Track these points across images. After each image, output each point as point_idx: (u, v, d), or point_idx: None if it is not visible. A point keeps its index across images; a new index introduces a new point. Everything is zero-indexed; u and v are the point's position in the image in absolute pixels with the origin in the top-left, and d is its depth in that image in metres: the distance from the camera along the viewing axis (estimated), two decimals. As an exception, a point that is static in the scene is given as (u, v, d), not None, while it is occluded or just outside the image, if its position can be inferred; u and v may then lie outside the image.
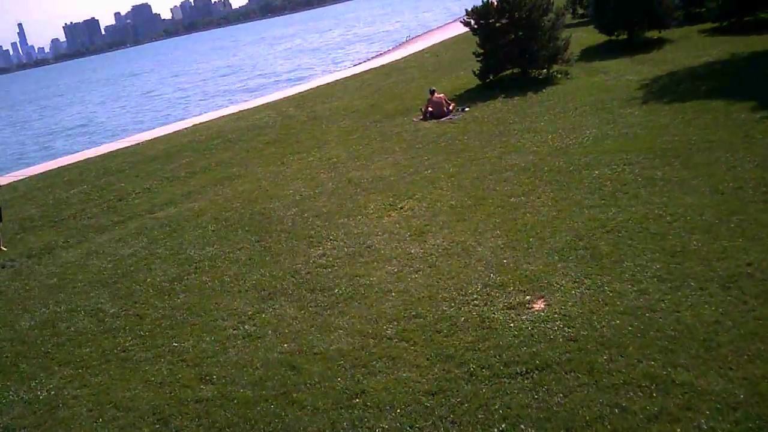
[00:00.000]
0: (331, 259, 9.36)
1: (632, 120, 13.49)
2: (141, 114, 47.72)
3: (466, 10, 19.96)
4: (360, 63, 45.57)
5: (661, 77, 16.71)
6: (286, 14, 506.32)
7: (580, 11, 30.92)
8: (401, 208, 10.92)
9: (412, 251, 9.06)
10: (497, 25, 19.26)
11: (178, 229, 12.12)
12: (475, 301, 7.38)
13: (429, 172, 12.57)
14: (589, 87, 17.22)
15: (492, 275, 7.90)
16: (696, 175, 9.81)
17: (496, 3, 19.10)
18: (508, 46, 19.12)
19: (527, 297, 7.25)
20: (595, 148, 12.00)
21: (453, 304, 7.40)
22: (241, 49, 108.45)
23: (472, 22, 19.58)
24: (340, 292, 8.26)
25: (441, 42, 34.97)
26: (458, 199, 10.77)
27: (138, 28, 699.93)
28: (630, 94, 15.68)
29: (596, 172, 10.73)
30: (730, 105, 13.17)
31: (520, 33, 18.86)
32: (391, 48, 54.65)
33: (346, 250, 9.59)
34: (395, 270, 8.58)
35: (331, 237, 10.20)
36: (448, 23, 61.04)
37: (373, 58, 47.81)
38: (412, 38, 60.95)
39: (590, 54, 21.52)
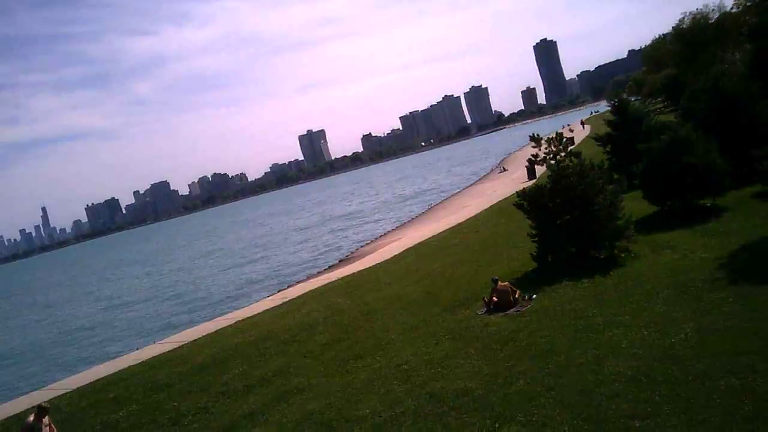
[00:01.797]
0: None
1: (730, 309, 12.44)
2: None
3: (517, 194, 19.64)
4: (391, 232, 45.74)
5: (738, 253, 15.84)
6: (301, 183, 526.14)
7: (616, 176, 30.82)
8: (505, 435, 9.68)
9: (542, 503, 7.74)
10: (550, 205, 18.82)
11: (249, 468, 10.84)
12: None
13: (521, 383, 11.40)
14: (661, 267, 16.35)
15: None
16: None
17: (548, 185, 18.77)
18: (564, 226, 18.56)
19: None
20: (706, 350, 10.86)
21: None
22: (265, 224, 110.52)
23: (525, 204, 19.15)
24: None
25: (476, 215, 34.77)
26: (570, 422, 9.53)
27: (157, 204, 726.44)
28: (711, 274, 14.75)
29: (721, 383, 9.54)
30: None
31: (576, 212, 18.35)
32: (413, 217, 55.13)
33: (458, 500, 8.27)
34: None
35: (434, 480, 8.91)
36: (457, 191, 62.18)
37: (404, 224, 48.06)
38: (434, 205, 61.76)
39: (646, 226, 20.88)
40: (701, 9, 56.93)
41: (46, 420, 12.33)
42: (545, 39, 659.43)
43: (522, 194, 19.34)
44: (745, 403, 8.81)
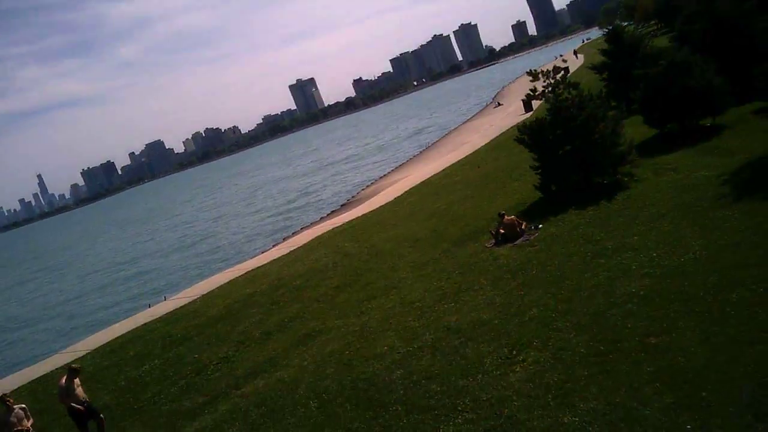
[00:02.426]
0: (472, 439, 8.30)
1: (737, 224, 12.56)
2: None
3: (518, 128, 19.58)
4: (390, 174, 45.74)
5: (741, 170, 15.89)
6: (295, 131, 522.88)
7: (614, 103, 30.62)
8: (523, 361, 9.89)
9: (566, 421, 7.99)
10: (551, 137, 18.77)
11: (276, 410, 11.14)
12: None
13: (535, 310, 11.59)
14: (665, 188, 16.42)
15: (683, 451, 6.80)
16: None
17: (548, 118, 18.69)
18: (566, 156, 18.56)
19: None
20: (716, 265, 11.01)
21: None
22: (266, 174, 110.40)
23: (526, 138, 19.10)
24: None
25: (474, 151, 34.68)
26: (586, 344, 9.75)
27: (153, 164, 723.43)
28: (716, 192, 14.83)
29: (734, 295, 9.71)
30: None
31: (578, 142, 18.32)
32: (412, 157, 54.98)
33: (483, 424, 8.54)
34: (557, 450, 7.50)
35: (458, 407, 9.16)
36: (456, 127, 61.77)
37: (402, 165, 47.95)
38: (432, 143, 61.52)
39: (647, 149, 20.84)
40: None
41: (77, 381, 12.55)
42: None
43: (522, 128, 19.28)
44: (758, 312, 8.99)
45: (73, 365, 13.17)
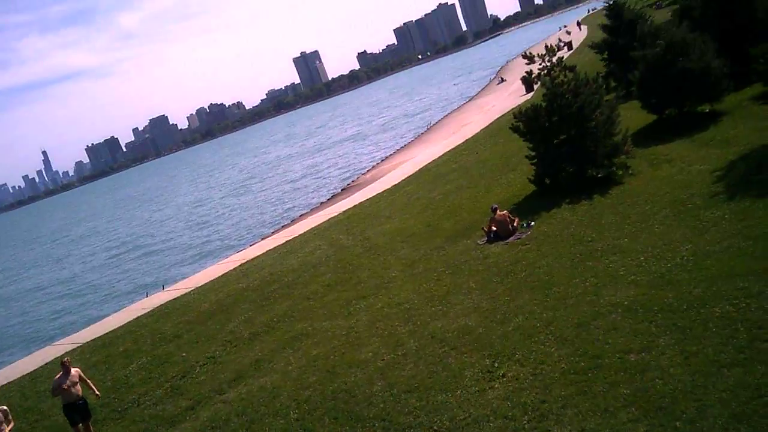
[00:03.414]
0: (446, 464, 8.20)
1: (727, 227, 12.33)
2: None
3: (513, 114, 19.25)
4: (392, 156, 45.55)
5: (736, 164, 15.60)
6: (299, 108, 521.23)
7: (613, 83, 30.11)
8: (503, 376, 9.76)
9: (540, 447, 7.87)
10: (547, 125, 18.46)
11: (256, 420, 11.07)
12: None
13: (520, 319, 11.44)
14: (659, 183, 16.16)
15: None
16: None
17: (543, 104, 18.36)
18: (561, 146, 18.27)
19: None
20: (702, 273, 10.80)
21: None
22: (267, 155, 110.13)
23: (521, 125, 18.79)
24: None
25: (473, 135, 34.33)
26: (567, 358, 9.60)
27: (157, 140, 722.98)
28: (709, 189, 14.58)
29: (716, 309, 9.52)
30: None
31: (573, 131, 18.01)
32: (415, 137, 54.66)
33: (458, 446, 8.43)
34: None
35: (434, 426, 9.05)
36: (459, 105, 61.22)
37: (405, 147, 47.70)
38: (435, 123, 61.02)
39: (643, 137, 20.53)
40: None
41: (74, 375, 12.46)
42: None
43: (518, 115, 18.94)
44: (740, 331, 8.80)
45: (63, 359, 12.99)
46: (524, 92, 42.81)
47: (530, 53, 19.79)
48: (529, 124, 18.76)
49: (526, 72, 18.50)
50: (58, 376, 12.33)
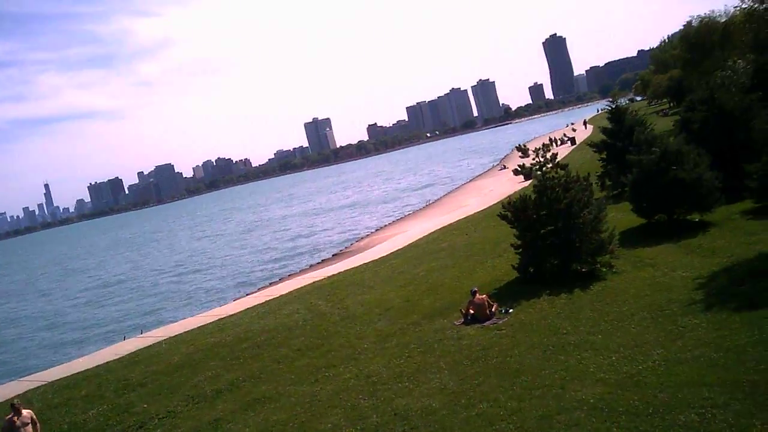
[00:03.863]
0: None
1: (702, 335, 12.30)
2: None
3: (502, 204, 19.46)
4: (388, 226, 45.89)
5: (718, 275, 15.65)
6: (305, 170, 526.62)
7: (609, 182, 30.53)
8: (460, 461, 9.55)
9: None
10: (534, 216, 18.63)
11: (204, 481, 10.75)
12: None
13: (484, 405, 11.25)
14: (640, 285, 16.19)
15: None
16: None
17: (533, 196, 18.59)
18: (548, 237, 18.39)
19: None
20: (671, 379, 10.71)
21: None
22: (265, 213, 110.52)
23: (510, 215, 18.95)
24: None
25: (467, 216, 34.59)
26: (526, 452, 9.40)
27: (161, 186, 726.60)
28: (689, 296, 14.60)
29: (681, 417, 9.39)
30: (809, 316, 12.03)
31: (560, 224, 18.16)
32: (413, 212, 55.08)
33: None
34: None
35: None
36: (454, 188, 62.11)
37: (401, 219, 48.11)
38: (434, 201, 61.62)
39: (631, 239, 20.70)
40: (708, 14, 56.30)
41: (25, 418, 12.23)
42: (555, 35, 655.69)
43: (507, 205, 19.15)
44: (700, 442, 8.67)
45: (14, 402, 12.78)
46: (523, 179, 43.34)
47: (525, 146, 20.24)
48: (517, 214, 18.92)
49: (519, 165, 18.74)
50: (9, 416, 12.13)
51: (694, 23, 59.16)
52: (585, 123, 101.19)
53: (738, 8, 20.50)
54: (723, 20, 52.78)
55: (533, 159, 17.67)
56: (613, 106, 31.67)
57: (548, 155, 17.66)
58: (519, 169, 19.88)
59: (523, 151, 17.49)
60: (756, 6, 17.86)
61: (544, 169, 19.09)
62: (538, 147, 17.24)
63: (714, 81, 28.89)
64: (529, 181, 40.06)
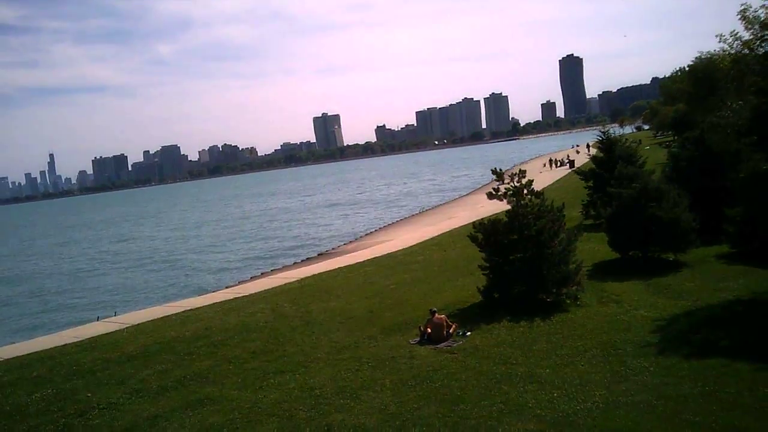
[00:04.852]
0: None
1: (647, 380, 12.17)
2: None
3: (473, 225, 19.32)
4: (375, 232, 46.04)
5: (679, 318, 15.51)
6: (309, 164, 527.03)
7: (593, 212, 30.38)
8: (378, 488, 9.41)
9: None
10: (505, 241, 18.49)
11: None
12: None
13: (417, 430, 11.14)
14: (600, 321, 16.05)
15: None
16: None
17: (504, 219, 18.46)
18: (516, 263, 18.26)
19: None
20: (606, 423, 10.58)
21: None
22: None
23: (480, 237, 18.82)
24: None
25: (451, 230, 34.51)
26: (444, 484, 9.27)
27: (164, 166, 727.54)
28: (644, 337, 14.47)
29: (605, 465, 9.27)
30: (757, 372, 11.91)
31: (529, 253, 18.03)
32: (402, 218, 55.24)
33: None
34: None
35: None
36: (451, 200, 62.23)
37: (389, 225, 48.28)
38: (426, 210, 61.76)
39: (603, 272, 20.60)
40: (717, 51, 56.22)
41: None
42: (572, 55, 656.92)
43: (478, 226, 19.02)
44: (617, 493, 8.54)
45: None
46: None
47: (500, 170, 19.96)
48: (487, 237, 18.79)
49: (493, 188, 18.65)
50: None
51: (704, 58, 59.11)
52: (588, 147, 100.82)
53: (727, 52, 20.23)
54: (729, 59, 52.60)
55: (508, 183, 17.50)
56: (603, 136, 31.44)
57: (524, 181, 17.45)
58: (493, 192, 19.78)
59: (498, 175, 17.31)
60: (743, 51, 17.68)
61: (518, 195, 18.80)
62: (514, 172, 17.04)
63: (710, 120, 28.74)
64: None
